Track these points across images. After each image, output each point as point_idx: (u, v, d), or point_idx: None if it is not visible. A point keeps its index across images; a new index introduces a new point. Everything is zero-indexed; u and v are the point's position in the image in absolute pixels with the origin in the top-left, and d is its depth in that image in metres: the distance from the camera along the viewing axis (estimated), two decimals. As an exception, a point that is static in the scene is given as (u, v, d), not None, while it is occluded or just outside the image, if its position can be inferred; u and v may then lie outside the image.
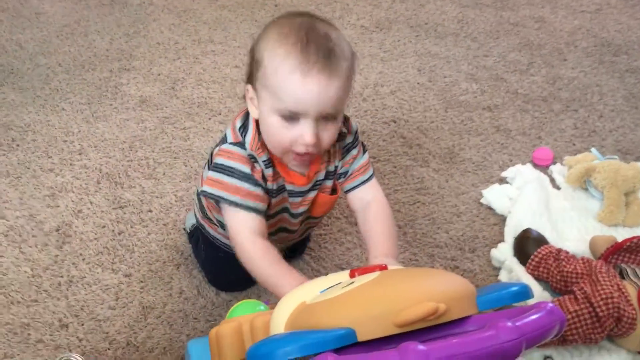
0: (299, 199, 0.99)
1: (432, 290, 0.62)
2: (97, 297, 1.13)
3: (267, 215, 0.96)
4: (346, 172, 1.00)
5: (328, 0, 2.20)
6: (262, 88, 0.88)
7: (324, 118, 0.86)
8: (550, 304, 0.59)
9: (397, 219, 1.32)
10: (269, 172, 0.93)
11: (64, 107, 1.61)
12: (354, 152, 1.00)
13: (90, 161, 1.43)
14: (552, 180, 1.43)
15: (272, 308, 0.72)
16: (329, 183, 1.00)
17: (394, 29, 2.04)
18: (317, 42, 0.84)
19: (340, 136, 0.96)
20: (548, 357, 1.04)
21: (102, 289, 1.14)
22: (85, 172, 1.40)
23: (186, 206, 1.33)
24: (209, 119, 1.60)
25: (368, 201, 0.99)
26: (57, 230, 1.26)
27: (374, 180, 1.02)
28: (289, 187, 0.96)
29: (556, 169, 1.44)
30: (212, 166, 0.93)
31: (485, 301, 0.64)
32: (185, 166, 1.44)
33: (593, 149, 1.43)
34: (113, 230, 1.26)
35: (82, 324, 1.08)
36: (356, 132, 1.00)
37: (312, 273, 1.20)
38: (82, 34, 1.95)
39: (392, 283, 0.65)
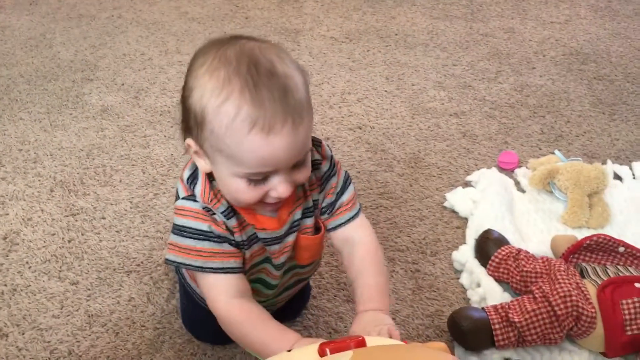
0: (277, 246, 0.84)
1: None
2: (40, 306, 1.08)
3: (244, 270, 0.82)
4: (331, 206, 0.86)
5: (299, 13, 2.20)
6: (213, 151, 0.73)
7: (295, 165, 0.75)
8: None
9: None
10: (232, 222, 0.78)
11: (22, 117, 1.58)
12: (334, 180, 0.86)
13: (45, 169, 1.40)
14: (518, 184, 1.41)
15: None
16: (309, 222, 0.85)
17: (364, 40, 2.03)
18: (266, 83, 0.69)
19: (314, 165, 0.83)
20: (507, 359, 1.00)
21: (46, 297, 1.10)
22: (39, 180, 1.36)
23: (141, 213, 1.29)
24: (171, 127, 1.57)
25: (355, 242, 0.86)
26: (4, 238, 1.21)
27: (361, 217, 0.88)
28: (261, 234, 0.81)
29: (521, 173, 1.42)
30: (172, 228, 0.80)
31: None
32: (143, 173, 1.40)
33: (556, 151, 1.41)
34: (63, 238, 1.22)
35: (23, 333, 1.03)
36: (331, 157, 0.86)
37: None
38: (47, 46, 1.92)
39: None
